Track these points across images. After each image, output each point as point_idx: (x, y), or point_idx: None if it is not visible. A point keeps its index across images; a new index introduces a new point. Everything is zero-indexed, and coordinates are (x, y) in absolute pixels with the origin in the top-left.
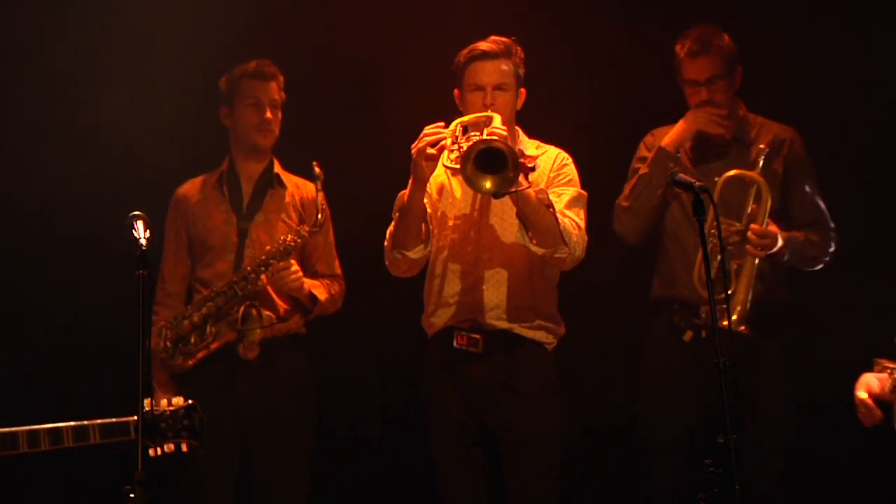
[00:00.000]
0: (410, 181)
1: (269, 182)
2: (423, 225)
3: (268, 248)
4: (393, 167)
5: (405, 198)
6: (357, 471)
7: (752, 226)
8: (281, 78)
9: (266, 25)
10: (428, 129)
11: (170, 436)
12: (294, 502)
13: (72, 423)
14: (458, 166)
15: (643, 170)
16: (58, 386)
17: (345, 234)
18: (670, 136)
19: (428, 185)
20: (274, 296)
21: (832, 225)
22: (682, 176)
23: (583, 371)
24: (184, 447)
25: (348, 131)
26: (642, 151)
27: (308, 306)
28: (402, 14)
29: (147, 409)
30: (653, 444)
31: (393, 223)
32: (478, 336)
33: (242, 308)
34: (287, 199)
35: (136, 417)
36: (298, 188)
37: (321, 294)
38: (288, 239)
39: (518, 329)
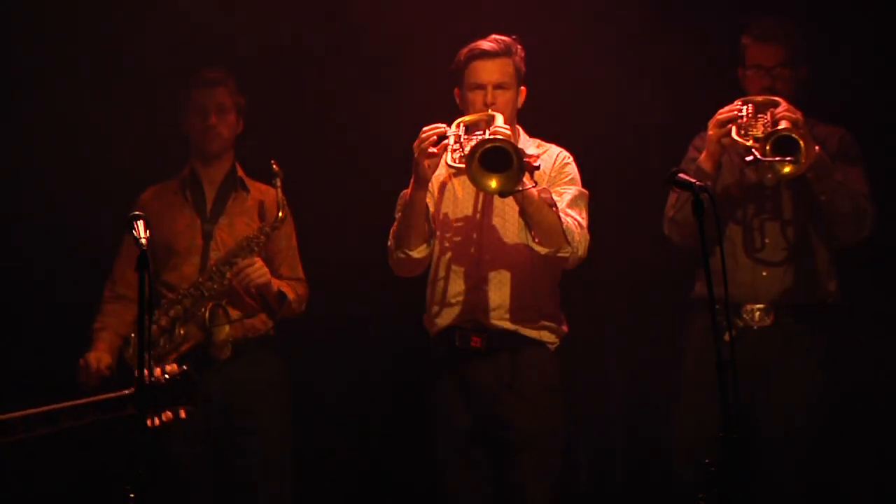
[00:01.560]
0: (412, 181)
1: (233, 185)
2: (426, 224)
3: (231, 246)
4: (393, 166)
5: (407, 197)
6: (357, 471)
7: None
8: (231, 81)
9: (247, 26)
10: (428, 128)
11: (166, 403)
12: (272, 500)
13: (67, 403)
14: (462, 166)
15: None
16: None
17: (345, 235)
18: (704, 153)
19: (430, 185)
20: (242, 293)
21: (873, 209)
22: (681, 176)
23: (584, 371)
24: (182, 414)
25: (347, 131)
26: (691, 153)
27: (274, 305)
28: (402, 12)
29: (139, 378)
30: (685, 443)
31: (396, 223)
32: (481, 336)
33: (209, 307)
34: (250, 202)
35: (130, 390)
36: (262, 192)
37: (289, 293)
38: (251, 235)
39: (521, 329)
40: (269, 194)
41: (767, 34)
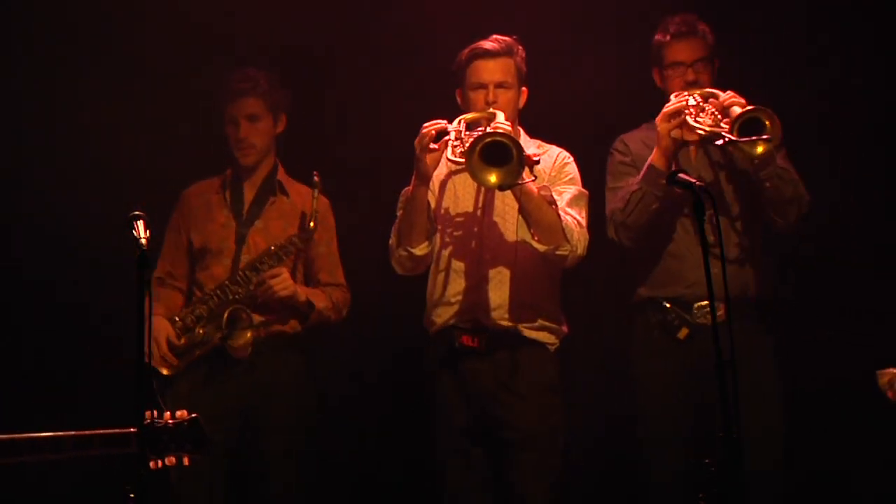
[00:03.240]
0: (413, 177)
1: (271, 189)
2: (428, 221)
3: (261, 251)
4: (393, 165)
5: (409, 194)
6: (357, 470)
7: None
8: (262, 85)
9: (269, 27)
10: (428, 124)
11: (172, 448)
12: (288, 501)
13: (72, 433)
14: (462, 160)
15: (635, 186)
16: (58, 391)
17: (345, 235)
18: (656, 151)
19: (431, 183)
20: (268, 301)
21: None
22: (681, 176)
23: (583, 371)
24: (185, 461)
25: (347, 129)
26: (617, 157)
27: (303, 314)
28: (402, 13)
29: (149, 421)
30: (650, 444)
31: (397, 220)
32: (480, 336)
33: (228, 311)
34: (288, 207)
35: (137, 429)
36: (301, 196)
37: (319, 301)
38: (280, 244)
39: (521, 329)
40: (311, 197)
41: (684, 31)
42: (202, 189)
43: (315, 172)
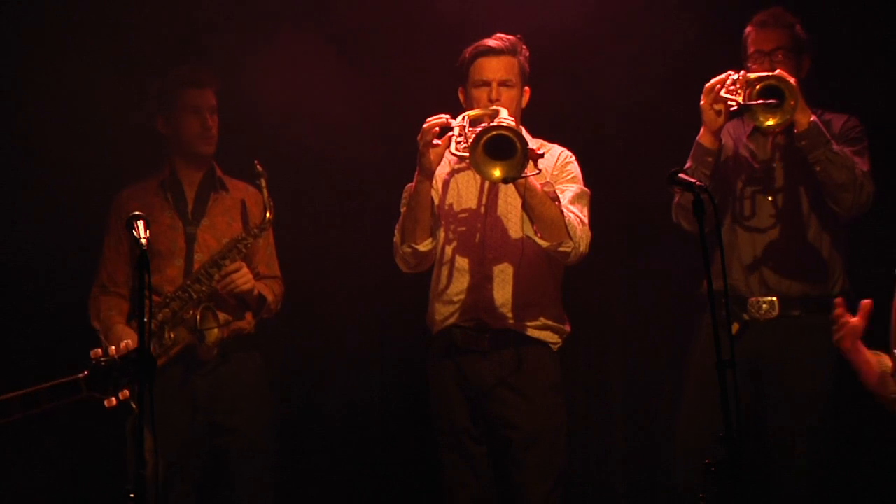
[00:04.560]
0: (417, 173)
1: (213, 186)
2: (431, 217)
3: (220, 247)
4: (394, 165)
5: (412, 190)
6: (358, 469)
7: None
8: (215, 83)
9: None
10: (431, 119)
11: (123, 382)
12: (259, 498)
13: (19, 392)
14: (466, 154)
15: (687, 164)
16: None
17: (346, 233)
18: (702, 128)
19: (434, 181)
20: (225, 296)
21: (873, 187)
22: (681, 175)
23: (584, 370)
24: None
25: (348, 129)
26: None
27: (254, 308)
28: (400, 10)
29: (94, 360)
30: (688, 442)
31: (401, 217)
32: (483, 335)
33: (200, 310)
34: (230, 202)
35: (84, 374)
36: (241, 191)
37: (268, 295)
38: (238, 237)
39: (524, 328)
40: (249, 192)
41: (768, 20)
42: (138, 192)
43: (256, 161)
